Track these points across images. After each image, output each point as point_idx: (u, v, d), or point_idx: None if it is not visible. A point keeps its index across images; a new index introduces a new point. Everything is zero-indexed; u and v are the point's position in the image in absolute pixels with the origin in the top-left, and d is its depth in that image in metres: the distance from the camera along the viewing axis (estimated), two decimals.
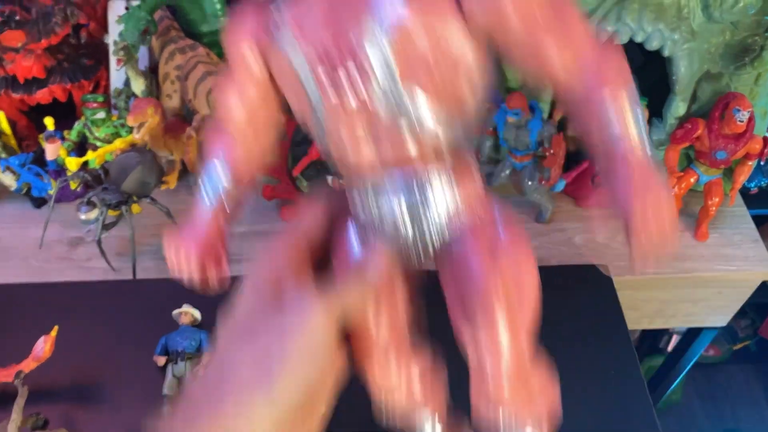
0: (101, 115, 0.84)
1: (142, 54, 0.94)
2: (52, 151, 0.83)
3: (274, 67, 0.38)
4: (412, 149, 0.36)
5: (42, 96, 0.86)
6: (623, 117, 0.34)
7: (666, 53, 0.75)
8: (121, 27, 0.85)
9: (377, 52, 0.33)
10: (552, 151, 0.79)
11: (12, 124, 0.88)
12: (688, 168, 0.83)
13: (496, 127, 0.85)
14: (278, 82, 0.39)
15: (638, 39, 0.74)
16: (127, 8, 0.91)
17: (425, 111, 0.35)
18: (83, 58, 0.90)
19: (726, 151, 0.79)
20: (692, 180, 0.83)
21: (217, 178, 0.42)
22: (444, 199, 0.37)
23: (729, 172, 0.85)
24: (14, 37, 0.80)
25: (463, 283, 0.36)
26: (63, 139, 0.85)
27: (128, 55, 0.83)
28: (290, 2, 0.36)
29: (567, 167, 0.85)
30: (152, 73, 0.93)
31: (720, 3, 0.71)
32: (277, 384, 0.32)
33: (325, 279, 0.37)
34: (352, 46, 0.34)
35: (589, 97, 0.34)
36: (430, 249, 0.38)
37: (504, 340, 0.35)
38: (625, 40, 0.74)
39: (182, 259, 0.42)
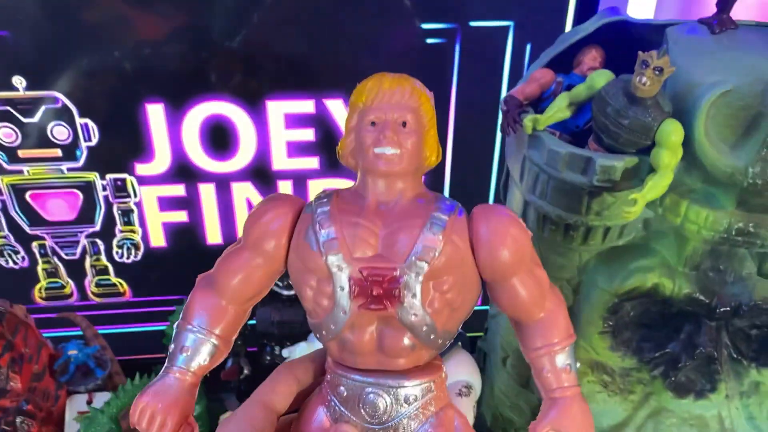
0: None
1: None
2: None
3: (294, 254, 0.41)
4: (403, 362, 0.42)
5: None
6: (556, 359, 0.44)
7: None
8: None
9: (412, 281, 0.39)
10: None
11: None
12: None
13: None
14: (294, 268, 0.42)
15: None
16: (89, 402, 0.83)
17: (432, 331, 0.41)
18: None
19: None
20: None
21: (197, 342, 0.42)
22: (419, 394, 0.42)
23: None
24: None
25: None
26: None
27: None
28: (337, 212, 0.41)
29: None
30: None
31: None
32: None
33: None
34: (392, 271, 0.39)
35: (535, 328, 0.44)
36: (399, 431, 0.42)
37: None
38: None
39: (155, 427, 0.41)
